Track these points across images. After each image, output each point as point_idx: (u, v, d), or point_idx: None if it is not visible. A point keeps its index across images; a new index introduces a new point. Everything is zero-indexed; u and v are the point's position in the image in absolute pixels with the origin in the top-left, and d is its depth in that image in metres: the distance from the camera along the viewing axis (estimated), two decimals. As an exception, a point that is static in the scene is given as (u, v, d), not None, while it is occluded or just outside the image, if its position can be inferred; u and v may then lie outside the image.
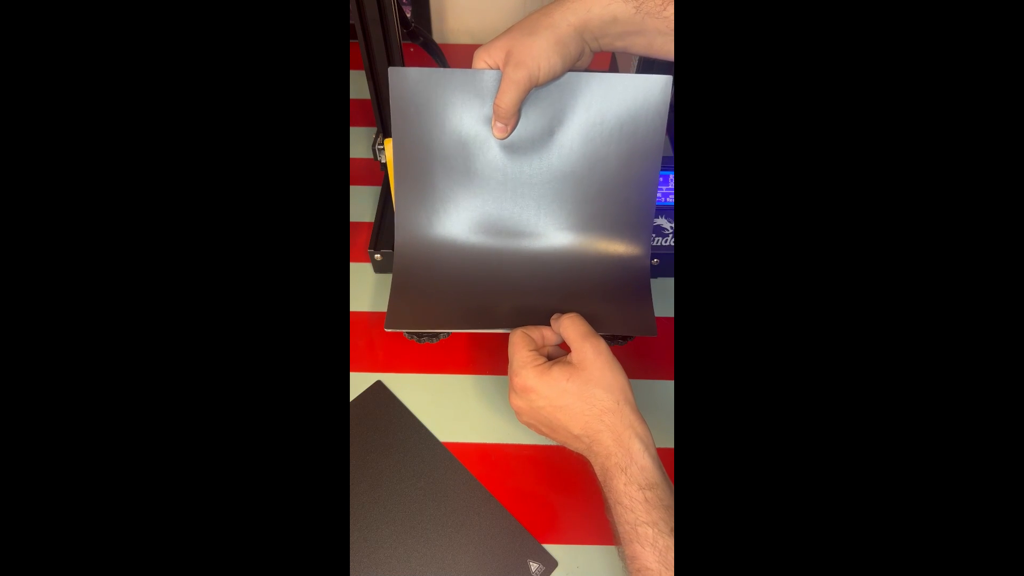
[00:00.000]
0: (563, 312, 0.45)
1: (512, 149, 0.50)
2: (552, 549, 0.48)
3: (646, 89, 0.47)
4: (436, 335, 0.56)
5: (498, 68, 0.46)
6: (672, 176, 0.58)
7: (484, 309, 0.50)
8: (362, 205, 0.69)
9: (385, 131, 0.59)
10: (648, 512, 0.36)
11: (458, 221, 0.52)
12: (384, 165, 0.60)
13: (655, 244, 0.58)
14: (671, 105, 0.50)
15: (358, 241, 0.66)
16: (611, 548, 0.47)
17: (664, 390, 0.56)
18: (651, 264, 0.53)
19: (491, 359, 0.58)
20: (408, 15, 0.77)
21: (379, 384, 0.56)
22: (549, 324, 0.46)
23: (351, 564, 0.46)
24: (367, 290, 0.62)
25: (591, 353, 0.41)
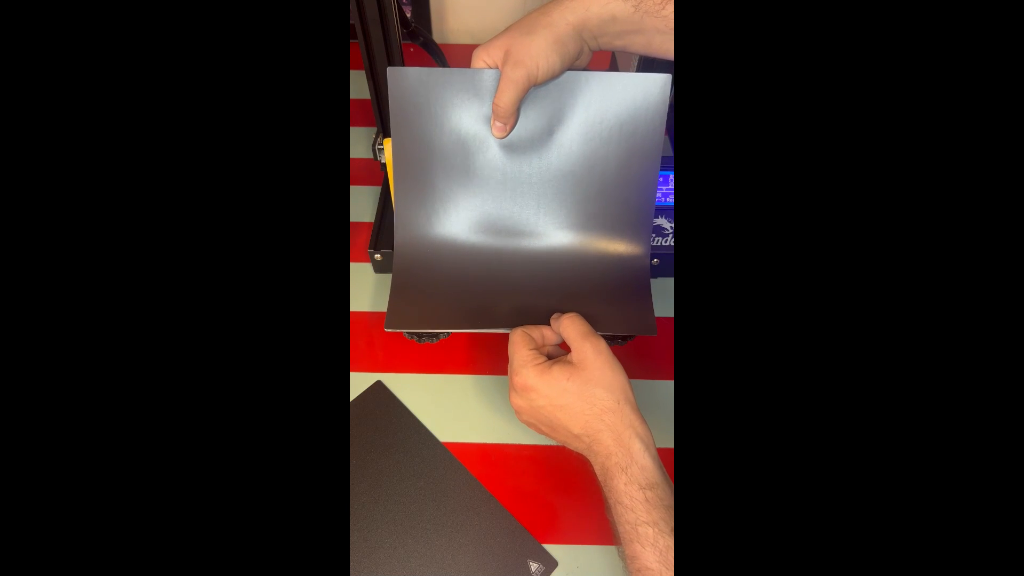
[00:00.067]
0: (563, 312, 0.45)
1: (511, 148, 0.50)
2: (552, 549, 0.48)
3: (645, 88, 0.47)
4: (436, 335, 0.56)
5: (497, 67, 0.46)
6: (672, 176, 0.58)
7: (484, 309, 0.50)
8: (362, 205, 0.69)
9: (385, 131, 0.59)
10: (648, 512, 0.36)
11: (458, 221, 0.52)
12: (384, 165, 0.60)
13: (655, 244, 0.58)
14: (671, 104, 0.50)
15: (358, 241, 0.66)
16: (611, 548, 0.47)
17: (664, 390, 0.56)
18: (651, 264, 0.53)
19: (491, 359, 0.58)
20: (408, 15, 0.77)
21: (379, 384, 0.56)
22: (549, 324, 0.46)
23: (351, 564, 0.46)
24: (367, 290, 0.62)
25: (591, 352, 0.41)
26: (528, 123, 0.49)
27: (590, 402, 0.40)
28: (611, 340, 0.54)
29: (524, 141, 0.50)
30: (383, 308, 0.55)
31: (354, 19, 0.51)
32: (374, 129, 0.66)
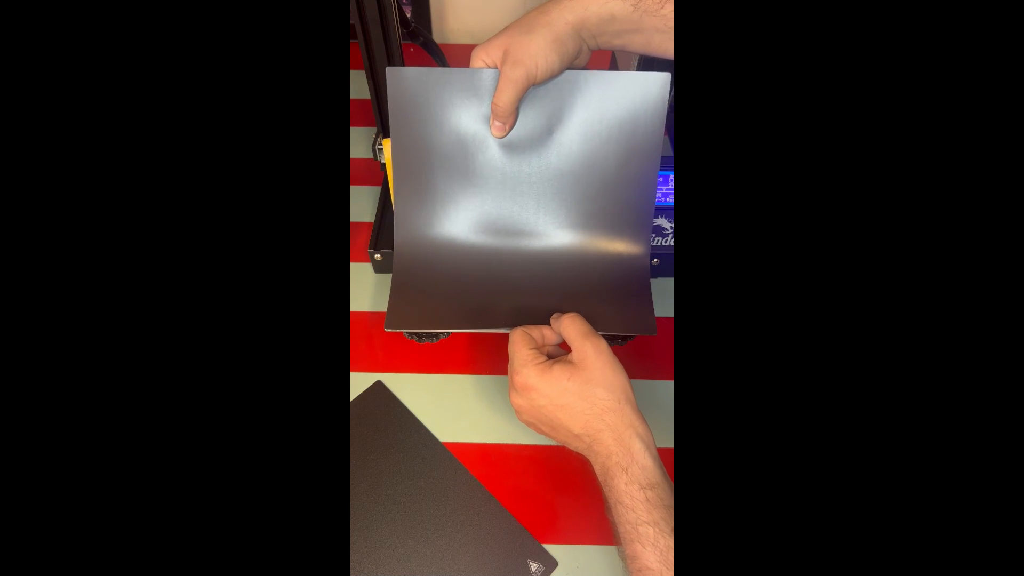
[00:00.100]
0: (563, 311, 0.45)
1: (511, 148, 0.50)
2: (552, 549, 0.48)
3: (644, 87, 0.47)
4: (436, 335, 0.56)
5: (496, 67, 0.46)
6: (672, 176, 0.58)
7: (484, 309, 0.50)
8: (362, 205, 0.69)
9: (385, 131, 0.59)
10: (649, 512, 0.36)
11: (457, 221, 0.52)
12: (384, 165, 0.60)
13: (655, 244, 0.58)
14: (671, 103, 0.50)
15: (358, 241, 0.66)
16: (611, 548, 0.47)
17: (664, 390, 0.56)
18: (651, 264, 0.53)
19: (491, 359, 0.58)
20: (408, 15, 0.77)
21: (379, 384, 0.56)
22: (549, 323, 0.46)
23: (351, 564, 0.46)
24: (367, 290, 0.62)
25: (592, 352, 0.41)
26: (527, 122, 0.49)
27: (591, 402, 0.40)
28: (611, 340, 0.54)
29: (523, 140, 0.50)
30: (383, 308, 0.55)
31: (354, 19, 0.51)
32: (374, 129, 0.66)
